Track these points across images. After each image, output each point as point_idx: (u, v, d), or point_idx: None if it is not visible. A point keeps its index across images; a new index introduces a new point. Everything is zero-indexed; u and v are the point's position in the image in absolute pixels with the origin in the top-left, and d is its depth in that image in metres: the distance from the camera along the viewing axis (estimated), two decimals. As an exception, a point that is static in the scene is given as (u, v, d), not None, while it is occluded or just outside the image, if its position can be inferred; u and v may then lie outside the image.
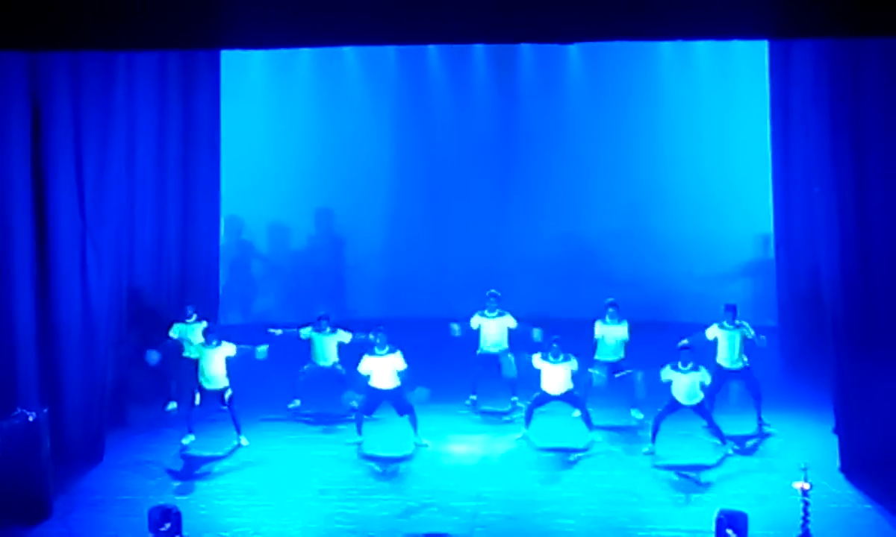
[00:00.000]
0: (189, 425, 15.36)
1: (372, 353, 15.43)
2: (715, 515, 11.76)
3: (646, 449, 14.98)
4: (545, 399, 15.45)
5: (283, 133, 20.54)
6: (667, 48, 20.06)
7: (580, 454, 15.09)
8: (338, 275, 21.08)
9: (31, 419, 13.13)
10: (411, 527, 12.93)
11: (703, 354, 15.17)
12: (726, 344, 15.60)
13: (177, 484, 14.29)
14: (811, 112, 14.87)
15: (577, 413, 15.50)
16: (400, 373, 15.36)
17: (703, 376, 14.88)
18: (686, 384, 14.81)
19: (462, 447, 15.42)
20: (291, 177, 20.52)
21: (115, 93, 14.82)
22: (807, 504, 11.83)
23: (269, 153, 20.37)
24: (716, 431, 15.00)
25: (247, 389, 15.89)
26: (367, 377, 15.41)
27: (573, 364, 15.36)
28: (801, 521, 11.83)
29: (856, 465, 14.10)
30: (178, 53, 16.86)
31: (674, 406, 14.91)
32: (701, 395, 14.85)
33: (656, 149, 20.39)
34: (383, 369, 15.35)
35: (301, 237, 21.18)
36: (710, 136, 20.03)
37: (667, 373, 14.90)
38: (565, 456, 15.05)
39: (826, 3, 11.31)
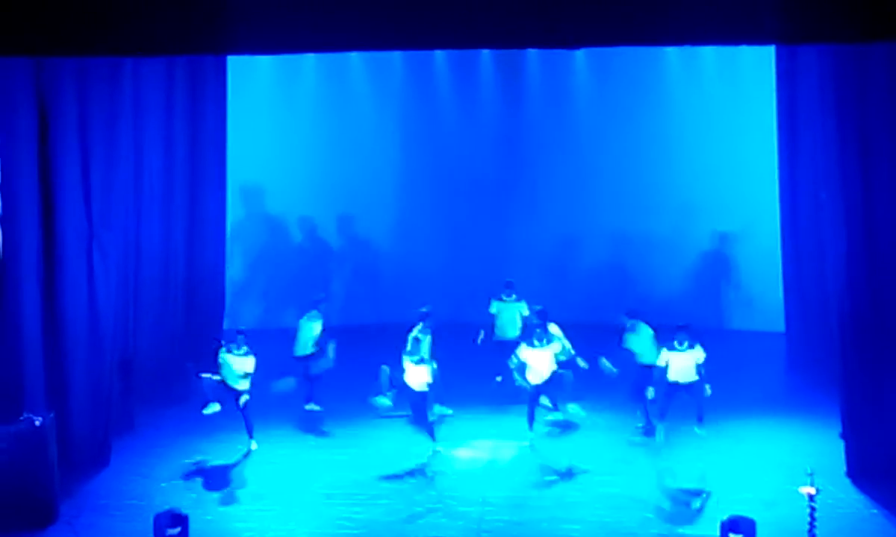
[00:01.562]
0: (211, 395, 15.11)
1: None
2: (721, 521, 11.78)
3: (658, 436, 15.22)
4: (537, 392, 15.60)
5: (290, 137, 20.58)
6: (673, 53, 20.08)
7: (579, 457, 15.16)
8: (344, 279, 21.08)
9: (37, 424, 13.14)
10: (417, 532, 12.93)
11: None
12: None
13: (183, 488, 14.28)
14: (818, 117, 14.87)
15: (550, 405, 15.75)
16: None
17: (699, 354, 15.06)
18: (683, 363, 15.00)
19: (468, 452, 15.42)
20: (298, 181, 20.57)
21: (122, 98, 14.86)
22: (813, 509, 11.81)
23: (275, 157, 20.41)
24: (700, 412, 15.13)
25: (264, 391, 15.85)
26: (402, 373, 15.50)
27: (555, 346, 15.61)
28: (807, 526, 11.81)
29: (862, 470, 14.08)
30: (184, 58, 16.88)
31: (671, 390, 15.08)
32: (696, 377, 15.03)
33: (663, 155, 20.39)
34: (418, 375, 15.44)
35: (308, 241, 21.18)
36: (716, 142, 20.02)
37: (664, 356, 15.12)
38: (571, 460, 15.04)
39: (833, 9, 11.30)
